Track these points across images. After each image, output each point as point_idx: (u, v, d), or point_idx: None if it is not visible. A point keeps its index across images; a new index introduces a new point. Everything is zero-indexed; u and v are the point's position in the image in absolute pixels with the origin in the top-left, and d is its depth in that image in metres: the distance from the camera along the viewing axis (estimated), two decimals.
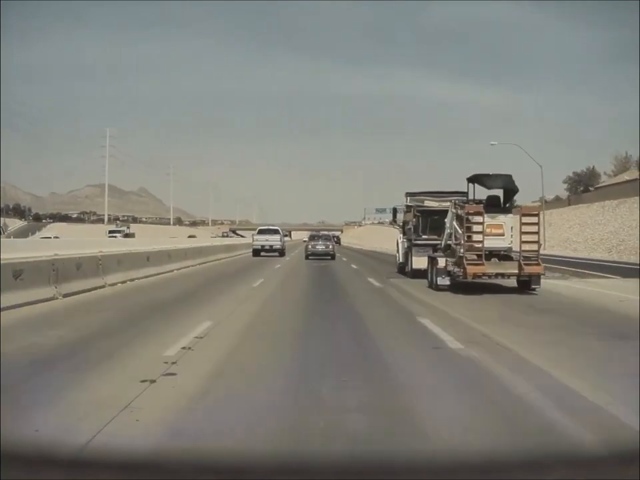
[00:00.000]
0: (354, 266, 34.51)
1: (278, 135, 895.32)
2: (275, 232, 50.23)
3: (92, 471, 3.28)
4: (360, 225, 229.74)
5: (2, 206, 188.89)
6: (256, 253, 47.33)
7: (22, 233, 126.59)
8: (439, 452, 4.93)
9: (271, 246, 48.36)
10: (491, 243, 18.01)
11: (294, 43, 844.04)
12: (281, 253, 48.40)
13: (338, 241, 78.50)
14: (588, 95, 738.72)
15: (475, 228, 17.66)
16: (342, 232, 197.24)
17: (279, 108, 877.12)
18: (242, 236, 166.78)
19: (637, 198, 57.78)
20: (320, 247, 44.71)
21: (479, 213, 17.72)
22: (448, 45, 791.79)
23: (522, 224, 17.91)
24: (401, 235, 27.57)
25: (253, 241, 50.24)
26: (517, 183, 19.07)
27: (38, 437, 5.08)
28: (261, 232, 50.63)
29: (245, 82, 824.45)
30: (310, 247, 45.06)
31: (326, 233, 63.83)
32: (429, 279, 19.76)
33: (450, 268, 18.24)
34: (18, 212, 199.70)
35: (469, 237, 17.60)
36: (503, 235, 18.34)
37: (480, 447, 4.97)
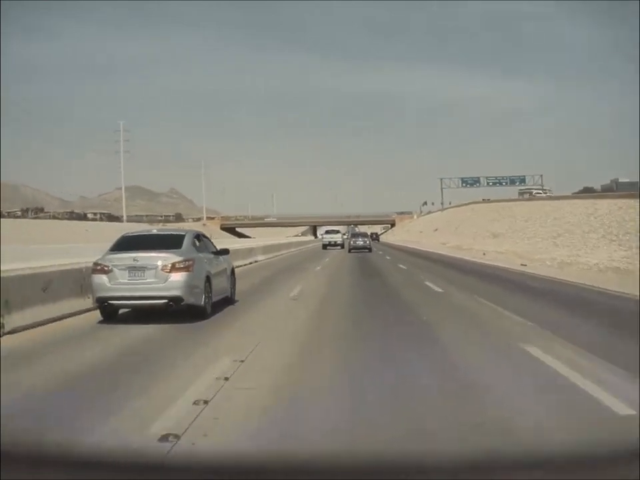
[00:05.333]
0: None
1: (323, 131, 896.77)
2: (337, 232, 77.25)
3: (92, 471, 3.29)
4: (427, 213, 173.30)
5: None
6: (324, 246, 70.70)
7: None
8: (438, 452, 5.20)
9: (335, 241, 72.46)
10: None
11: (311, 43, 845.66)
12: (342, 246, 69.92)
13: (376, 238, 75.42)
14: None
15: None
16: (392, 226, 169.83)
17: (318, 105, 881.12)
18: (243, 235, 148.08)
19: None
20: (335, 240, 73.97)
21: None
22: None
23: None
24: None
25: (322, 238, 77.35)
26: None
27: (38, 437, 5.41)
28: (327, 232, 77.98)
29: (262, 80, 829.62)
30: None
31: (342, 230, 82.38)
32: None
33: None
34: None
35: None
36: None
37: (480, 446, 5.26)
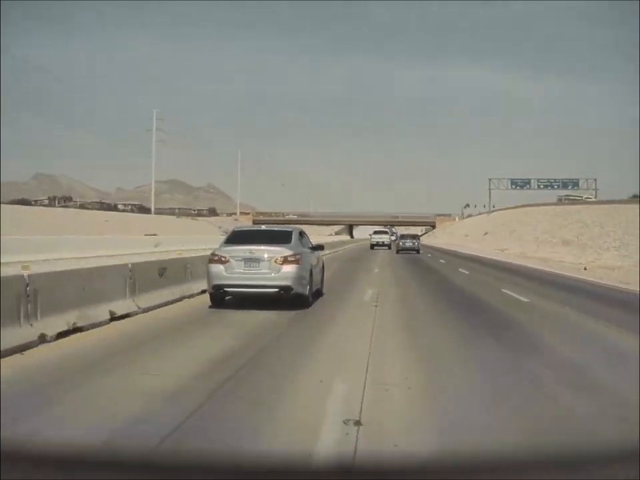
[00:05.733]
0: None
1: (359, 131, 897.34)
2: (385, 232, 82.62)
3: (92, 471, 3.23)
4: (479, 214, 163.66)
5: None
6: (372, 246, 74.42)
7: None
8: (438, 451, 5.40)
9: (383, 242, 75.94)
10: None
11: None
12: (389, 247, 73.37)
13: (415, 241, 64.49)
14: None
15: None
16: (433, 227, 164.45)
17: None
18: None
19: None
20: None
21: None
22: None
23: None
24: None
25: (371, 238, 79.14)
26: None
27: (38, 437, 5.51)
28: (376, 232, 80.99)
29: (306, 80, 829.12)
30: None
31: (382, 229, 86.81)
32: None
33: None
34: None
35: None
36: None
37: (479, 446, 5.34)
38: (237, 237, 17.46)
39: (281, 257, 16.09)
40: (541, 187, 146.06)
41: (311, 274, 17.07)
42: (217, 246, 17.20)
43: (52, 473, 3.16)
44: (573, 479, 3.29)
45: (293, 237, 17.23)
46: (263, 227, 20.08)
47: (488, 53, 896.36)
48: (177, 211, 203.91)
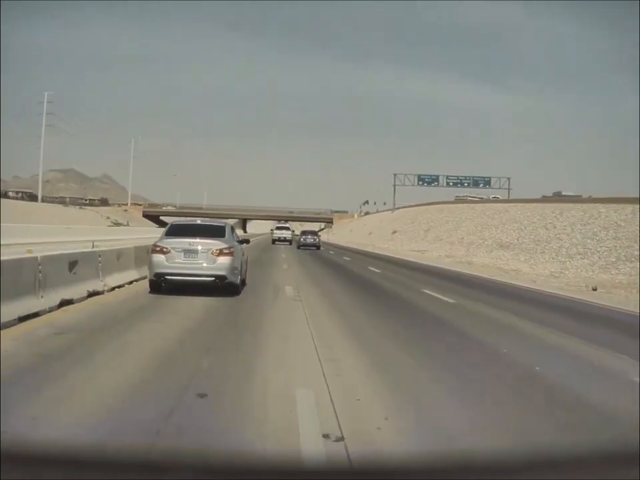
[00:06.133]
0: None
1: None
2: (287, 228, 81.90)
3: (92, 471, 3.21)
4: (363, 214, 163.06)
5: None
6: (273, 241, 74.71)
7: None
8: (438, 451, 5.40)
9: (285, 237, 76.00)
10: None
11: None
12: (290, 242, 73.85)
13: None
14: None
15: None
16: (331, 224, 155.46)
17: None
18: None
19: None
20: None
21: None
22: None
23: None
24: None
25: (273, 233, 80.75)
26: None
27: (38, 437, 5.45)
28: (278, 228, 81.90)
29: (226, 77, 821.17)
30: None
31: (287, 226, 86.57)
32: None
33: None
34: None
35: None
36: None
37: (479, 446, 5.39)
38: (176, 230, 19.16)
39: (217, 249, 17.88)
40: (450, 184, 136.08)
41: (241, 265, 19.21)
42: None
43: (52, 472, 3.15)
44: (572, 478, 3.30)
45: (226, 231, 19.27)
46: (199, 222, 21.48)
47: (402, 54, 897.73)
48: (67, 200, 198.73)
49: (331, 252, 57.39)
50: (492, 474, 3.43)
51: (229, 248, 17.86)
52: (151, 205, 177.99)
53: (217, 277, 17.55)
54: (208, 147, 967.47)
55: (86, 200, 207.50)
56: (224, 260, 17.56)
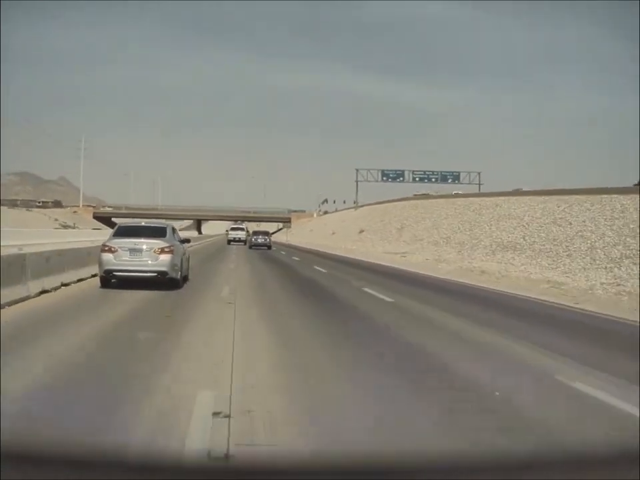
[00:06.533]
0: None
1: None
2: (242, 229, 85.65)
3: (92, 471, 3.21)
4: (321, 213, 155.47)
5: None
6: (229, 242, 79.38)
7: None
8: (437, 452, 5.32)
9: (240, 238, 79.53)
10: None
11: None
12: (245, 242, 76.18)
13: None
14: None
15: None
16: (289, 224, 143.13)
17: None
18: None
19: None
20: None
21: None
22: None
23: None
24: None
25: (228, 234, 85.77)
26: None
27: (39, 437, 5.43)
28: (233, 229, 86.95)
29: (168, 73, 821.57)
30: None
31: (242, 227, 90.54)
32: None
33: None
34: None
35: None
36: None
37: (479, 446, 5.34)
38: (123, 231, 21.01)
39: (159, 248, 19.55)
40: (417, 179, 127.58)
41: (182, 262, 20.87)
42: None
43: (52, 472, 3.16)
44: (572, 478, 3.29)
45: (167, 231, 21.04)
46: (143, 223, 23.18)
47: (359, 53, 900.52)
48: (18, 202, 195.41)
49: (295, 257, 48.06)
50: (491, 473, 3.47)
51: (170, 247, 19.77)
52: (102, 206, 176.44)
53: (159, 272, 19.50)
54: (165, 145, 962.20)
55: (39, 202, 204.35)
56: (165, 257, 19.46)
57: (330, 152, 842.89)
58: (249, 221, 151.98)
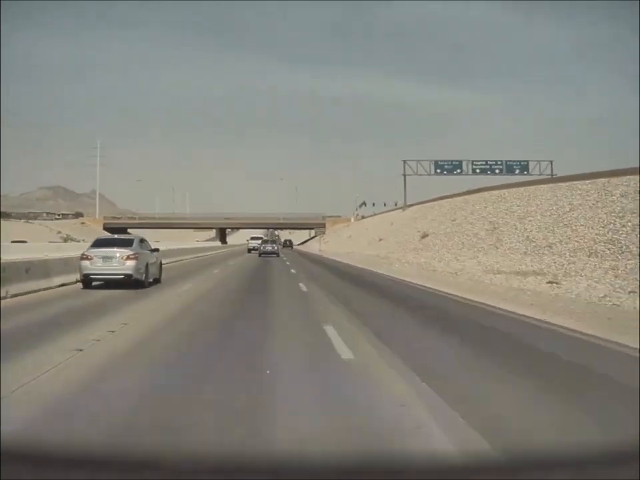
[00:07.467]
0: None
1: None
2: (260, 238, 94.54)
3: (92, 471, 3.19)
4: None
5: None
6: (249, 250, 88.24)
7: None
8: (437, 451, 5.15)
9: (256, 247, 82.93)
10: None
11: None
12: (278, 254, 77.75)
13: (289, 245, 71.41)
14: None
15: None
16: (323, 231, 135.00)
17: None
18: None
19: None
20: None
21: None
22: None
23: None
24: None
25: (249, 243, 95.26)
26: None
27: (38, 437, 5.45)
28: (253, 238, 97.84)
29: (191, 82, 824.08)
30: None
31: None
32: None
33: None
34: None
35: None
36: None
37: (479, 446, 5.20)
38: (99, 243, 25.95)
39: (126, 255, 23.90)
40: (477, 171, 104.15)
41: (147, 267, 24.83)
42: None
43: (52, 472, 3.18)
44: (572, 479, 3.29)
45: (134, 242, 25.43)
46: (116, 236, 31.31)
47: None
48: (45, 215, 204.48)
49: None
50: (491, 474, 3.48)
51: (135, 254, 24.13)
52: (113, 217, 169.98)
53: (125, 275, 23.85)
54: (195, 156, 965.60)
55: (59, 215, 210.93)
56: (130, 263, 23.80)
57: (371, 153, 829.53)
58: (281, 228, 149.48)
